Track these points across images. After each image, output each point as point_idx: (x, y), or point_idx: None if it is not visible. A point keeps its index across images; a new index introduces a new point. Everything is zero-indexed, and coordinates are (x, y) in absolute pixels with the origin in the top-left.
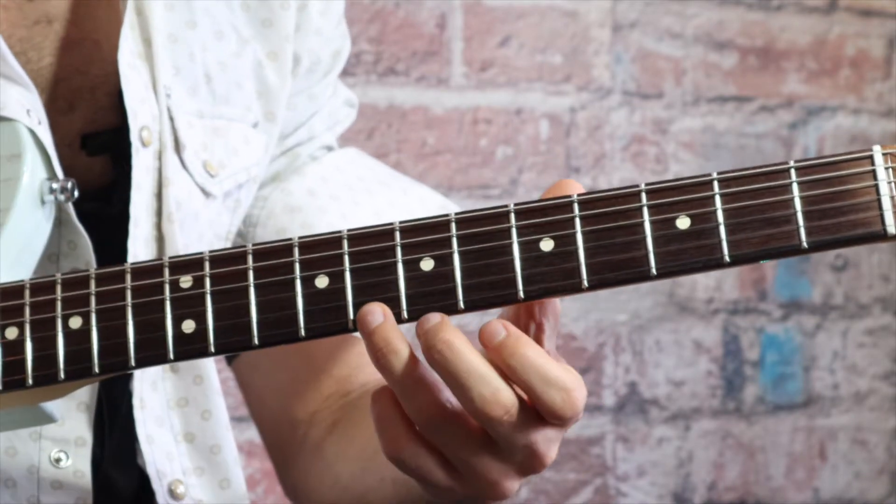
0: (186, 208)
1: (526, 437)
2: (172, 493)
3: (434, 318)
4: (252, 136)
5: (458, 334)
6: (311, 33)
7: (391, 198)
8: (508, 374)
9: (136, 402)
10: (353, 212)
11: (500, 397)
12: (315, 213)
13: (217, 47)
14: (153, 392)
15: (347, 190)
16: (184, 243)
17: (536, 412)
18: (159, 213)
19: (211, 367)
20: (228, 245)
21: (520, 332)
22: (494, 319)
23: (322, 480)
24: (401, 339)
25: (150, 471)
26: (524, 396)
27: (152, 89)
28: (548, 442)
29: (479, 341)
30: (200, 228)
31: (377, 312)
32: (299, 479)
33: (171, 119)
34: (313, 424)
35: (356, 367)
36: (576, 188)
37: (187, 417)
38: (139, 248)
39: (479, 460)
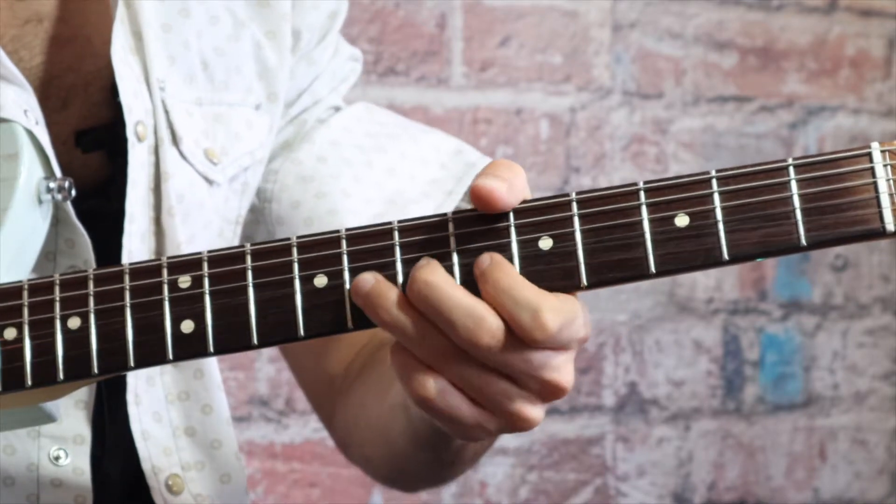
0: (189, 199)
1: (525, 362)
2: (170, 488)
3: (422, 261)
4: (254, 119)
5: (437, 272)
6: (308, 8)
7: (402, 150)
8: (488, 300)
9: (130, 398)
10: (366, 173)
11: (484, 324)
12: (328, 181)
13: (212, 32)
14: (149, 387)
15: (358, 151)
16: (187, 235)
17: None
18: (158, 207)
19: (212, 362)
20: (240, 228)
21: (502, 259)
22: (487, 252)
23: (357, 425)
24: (395, 291)
25: (146, 466)
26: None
27: (145, 83)
28: (552, 367)
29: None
30: (206, 217)
31: (368, 277)
32: (343, 430)
33: (167, 112)
34: (347, 375)
35: None
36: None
37: (188, 411)
38: (135, 244)
39: (498, 390)
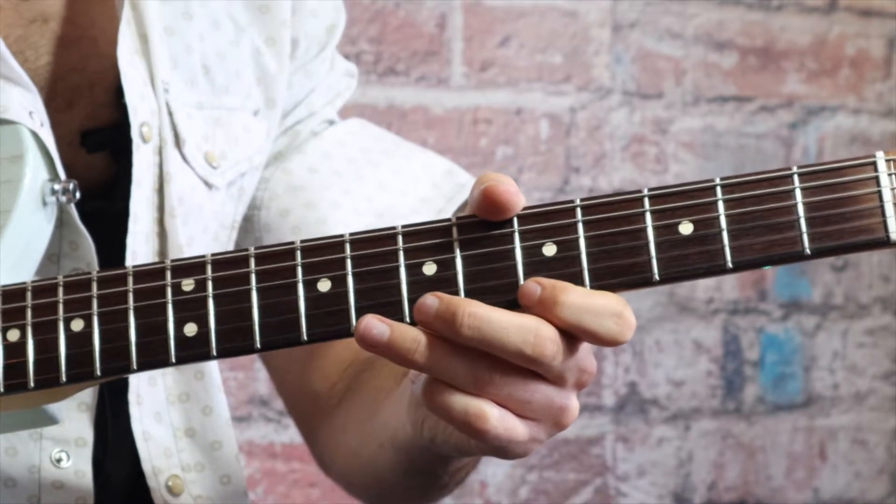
0: (189, 202)
1: (574, 360)
2: (170, 489)
3: (431, 300)
4: (253, 124)
5: (471, 302)
6: (308, 16)
7: (395, 167)
8: (559, 324)
9: (132, 398)
10: (357, 187)
11: (544, 335)
12: (318, 191)
13: (214, 37)
14: (151, 388)
15: (350, 163)
16: (187, 237)
17: (572, 335)
18: (161, 208)
19: (212, 364)
20: (235, 234)
21: (553, 280)
22: (528, 280)
23: (338, 450)
24: (415, 329)
25: (146, 467)
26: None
27: (150, 85)
28: (588, 355)
29: (521, 305)
30: (205, 220)
31: (378, 325)
32: (324, 451)
33: (171, 114)
34: (332, 396)
35: None
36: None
37: (188, 413)
38: (139, 245)
39: (543, 395)
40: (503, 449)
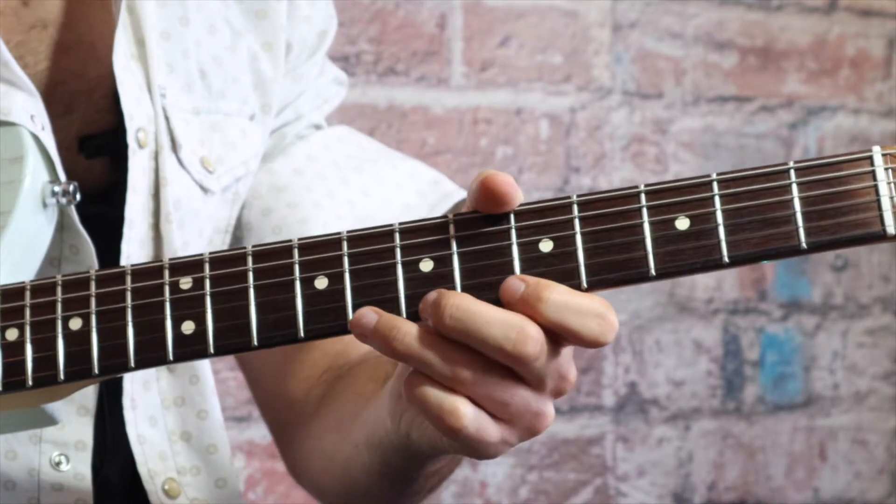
0: (185, 206)
1: (556, 364)
2: (167, 493)
3: (431, 294)
4: (249, 129)
5: (461, 294)
6: (301, 21)
7: (380, 174)
8: (541, 321)
9: (126, 402)
10: (341, 190)
11: (529, 333)
12: (301, 192)
13: (211, 42)
14: (145, 392)
15: (335, 168)
16: (182, 241)
17: (557, 337)
18: (156, 213)
19: (206, 368)
20: (229, 237)
21: (537, 278)
22: (511, 276)
23: (312, 455)
24: (403, 319)
25: (142, 470)
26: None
27: (147, 90)
28: (569, 361)
29: (502, 301)
30: (200, 225)
31: (369, 314)
32: (298, 458)
33: (167, 119)
34: (308, 402)
35: (349, 342)
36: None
37: (183, 417)
38: (133, 250)
39: (520, 399)
40: (473, 448)
